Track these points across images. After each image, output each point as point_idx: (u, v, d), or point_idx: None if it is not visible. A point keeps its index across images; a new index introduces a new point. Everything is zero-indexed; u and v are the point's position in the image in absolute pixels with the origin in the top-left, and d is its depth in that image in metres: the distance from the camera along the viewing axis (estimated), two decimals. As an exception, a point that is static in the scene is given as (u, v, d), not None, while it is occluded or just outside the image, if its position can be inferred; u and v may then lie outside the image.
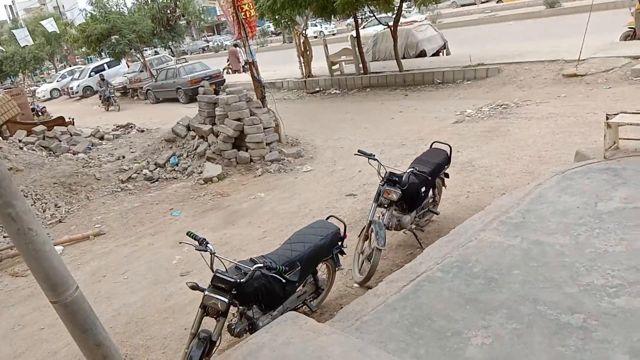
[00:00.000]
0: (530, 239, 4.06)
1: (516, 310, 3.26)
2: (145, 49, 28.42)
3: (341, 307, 4.00)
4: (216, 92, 10.77)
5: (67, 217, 8.62)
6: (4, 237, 7.65)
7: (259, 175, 9.12)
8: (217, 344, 3.59)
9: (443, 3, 32.23)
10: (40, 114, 19.13)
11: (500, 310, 3.30)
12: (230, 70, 25.18)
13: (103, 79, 22.48)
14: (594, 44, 11.81)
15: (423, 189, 5.15)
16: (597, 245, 3.79)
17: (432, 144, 6.04)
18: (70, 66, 45.19)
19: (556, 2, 25.38)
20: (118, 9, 24.55)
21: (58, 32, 28.62)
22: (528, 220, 4.36)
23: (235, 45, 24.68)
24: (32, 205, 8.64)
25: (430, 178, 5.19)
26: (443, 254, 4.13)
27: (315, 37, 33.87)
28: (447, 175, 5.87)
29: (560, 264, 3.66)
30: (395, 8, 14.33)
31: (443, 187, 5.98)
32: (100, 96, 23.35)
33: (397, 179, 4.91)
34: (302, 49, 17.33)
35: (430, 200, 5.64)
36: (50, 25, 26.28)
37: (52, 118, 16.56)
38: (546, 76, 11.46)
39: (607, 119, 5.33)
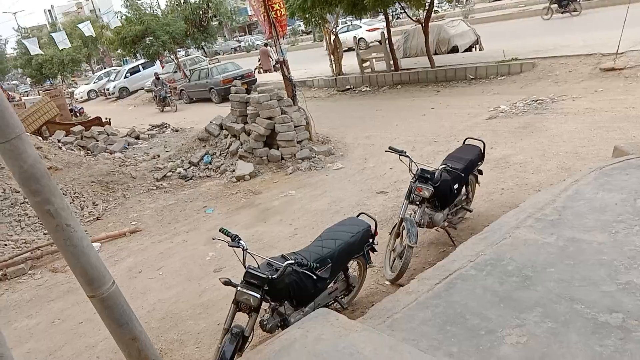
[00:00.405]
0: (567, 236, 3.97)
1: (552, 309, 3.19)
2: (179, 50, 28.88)
3: (372, 305, 3.99)
4: (248, 92, 10.89)
5: (104, 215, 8.84)
6: (44, 234, 7.91)
7: (290, 173, 9.17)
8: (249, 339, 3.64)
9: (476, -2, 31.74)
10: (78, 114, 19.67)
11: (535, 308, 3.23)
12: (261, 70, 25.37)
13: (158, 78, 21.33)
14: (633, 36, 11.43)
15: (456, 186, 5.09)
16: (636, 242, 3.67)
17: (464, 140, 5.96)
18: (104, 68, 46.33)
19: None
20: (152, 11, 25.03)
21: (94, 35, 29.38)
22: (564, 218, 4.26)
23: (266, 45, 24.85)
24: (70, 203, 8.90)
25: (463, 175, 5.13)
26: (476, 252, 4.07)
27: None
28: (480, 172, 5.78)
29: (597, 262, 3.56)
30: (427, 4, 14.17)
31: (476, 184, 5.89)
32: (155, 97, 22.23)
33: (429, 176, 4.86)
34: (333, 47, 17.32)
35: (463, 198, 5.56)
36: (87, 29, 27.00)
37: (90, 118, 17.02)
38: (582, 70, 11.16)
39: (648, 113, 5.16)
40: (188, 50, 34.28)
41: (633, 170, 4.83)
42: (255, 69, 24.61)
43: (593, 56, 11.49)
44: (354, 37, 19.07)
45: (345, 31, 29.07)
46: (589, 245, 3.79)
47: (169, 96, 21.16)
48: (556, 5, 20.62)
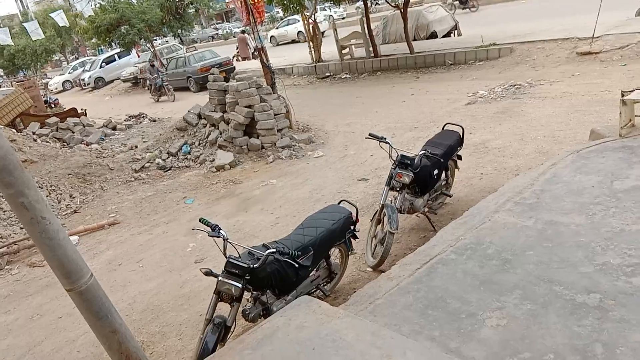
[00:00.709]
0: (545, 219, 4.02)
1: (531, 291, 3.23)
2: (155, 38, 28.41)
3: (354, 291, 4.00)
4: (226, 80, 10.75)
5: (82, 208, 8.70)
6: (20, 228, 7.76)
7: (271, 162, 9.12)
8: (231, 329, 3.62)
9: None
10: (53, 105, 19.26)
11: (514, 291, 3.27)
12: (239, 58, 25.11)
13: (153, 66, 19.99)
14: (609, 20, 11.57)
15: (435, 172, 5.10)
16: (613, 224, 3.73)
17: (444, 126, 5.98)
18: (77, 57, 45.42)
19: (569, -21, 24.88)
20: (127, -1, 24.54)
21: (68, 25, 28.74)
22: (542, 201, 4.31)
23: (244, 32, 24.57)
24: (47, 196, 8.74)
25: (442, 160, 5.14)
26: (456, 236, 4.10)
27: (325, 21, 33.58)
28: (460, 157, 5.81)
29: (575, 243, 3.61)
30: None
31: (456, 170, 5.93)
32: (149, 86, 20.64)
33: (409, 162, 4.87)
34: (311, 33, 17.20)
35: (443, 183, 5.59)
36: (60, 19, 26.36)
37: (65, 110, 16.68)
38: (560, 55, 11.28)
39: (623, 96, 5.22)
40: (165, 38, 33.74)
41: (609, 152, 4.91)
42: (233, 57, 24.35)
43: (570, 40, 11.62)
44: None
45: (286, 25, 30.73)
46: (566, 227, 3.84)
47: (165, 84, 19.72)
48: (458, 2, 24.12)
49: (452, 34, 17.19)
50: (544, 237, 3.78)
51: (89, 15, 23.87)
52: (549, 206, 4.20)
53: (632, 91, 5.30)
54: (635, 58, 9.80)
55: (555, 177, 4.69)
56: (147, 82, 21.30)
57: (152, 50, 25.26)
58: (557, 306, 3.05)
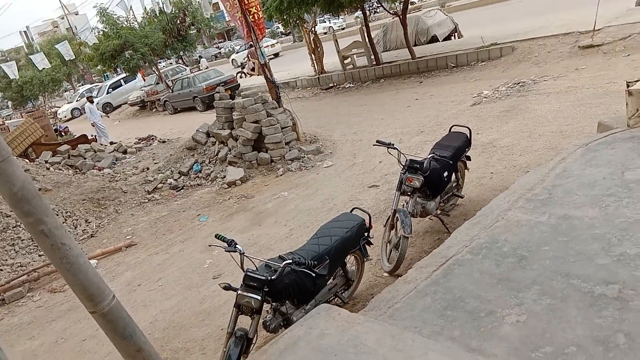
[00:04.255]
0: (558, 214, 4.02)
1: (549, 286, 3.23)
2: (159, 61, 28.72)
3: (372, 297, 4.02)
4: (232, 97, 10.88)
5: (98, 232, 8.81)
6: (39, 255, 7.87)
7: (281, 175, 9.18)
8: (253, 341, 3.65)
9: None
10: (63, 134, 19.52)
11: (532, 287, 3.27)
12: (244, 75, 25.29)
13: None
14: (609, 12, 11.58)
15: (445, 174, 5.13)
16: (627, 214, 3.73)
17: (450, 128, 6.01)
18: (82, 84, 45.98)
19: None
20: (129, 24, 24.86)
21: (74, 57, 29.22)
22: (554, 196, 4.31)
23: (252, 46, 24.77)
24: (63, 222, 8.86)
25: (451, 162, 5.17)
26: (471, 237, 4.11)
27: (325, 33, 33.90)
28: (468, 158, 5.83)
29: (590, 236, 3.61)
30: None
31: (466, 170, 5.95)
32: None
33: (418, 166, 4.90)
34: (313, 46, 17.34)
35: (454, 184, 5.61)
36: (65, 51, 26.79)
37: (75, 137, 16.90)
38: (562, 50, 11.28)
39: (628, 86, 5.22)
40: (169, 60, 34.12)
41: (618, 143, 4.90)
42: (237, 73, 24.56)
43: (571, 35, 11.62)
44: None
45: (245, 49, 32.18)
46: (580, 220, 3.84)
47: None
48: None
49: (452, 37, 17.24)
50: (558, 232, 3.78)
51: (93, 43, 24.21)
52: (561, 201, 4.20)
53: (638, 81, 5.30)
54: (638, 48, 9.78)
55: (565, 171, 4.70)
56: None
57: (157, 73, 25.54)
58: (576, 299, 3.05)
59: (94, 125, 17.45)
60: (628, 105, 5.20)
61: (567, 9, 15.22)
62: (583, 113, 7.46)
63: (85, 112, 18.03)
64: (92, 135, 16.39)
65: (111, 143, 16.49)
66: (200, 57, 39.86)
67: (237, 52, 36.48)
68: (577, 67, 9.97)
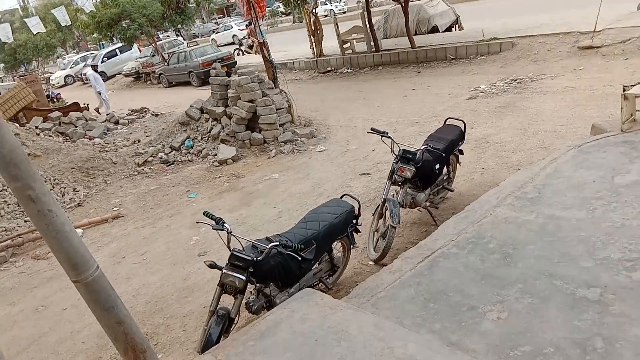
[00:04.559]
0: (546, 213, 4.04)
1: (532, 285, 3.26)
2: (157, 33, 28.34)
3: (357, 284, 4.04)
4: (228, 74, 10.77)
5: (85, 201, 8.75)
6: (25, 221, 7.81)
7: (273, 156, 9.15)
8: (235, 321, 3.67)
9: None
10: (55, 100, 19.28)
11: (515, 285, 3.30)
12: (241, 52, 25.05)
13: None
14: (611, 14, 11.56)
15: (437, 166, 5.13)
16: (614, 219, 3.76)
17: (445, 121, 6.00)
18: (77, 52, 45.31)
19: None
20: (127, -7, 24.46)
21: (70, 24, 28.72)
22: (544, 195, 4.33)
23: (250, 23, 24.52)
24: (51, 189, 8.78)
25: (444, 155, 5.17)
26: (458, 230, 4.13)
27: (326, 15, 33.59)
28: (461, 152, 5.84)
29: (576, 238, 3.64)
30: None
31: (457, 164, 5.96)
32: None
33: (410, 156, 4.89)
34: (313, 28, 17.18)
35: (445, 177, 5.62)
36: (61, 17, 26.30)
37: (67, 104, 16.70)
38: (561, 49, 11.27)
39: (624, 90, 5.23)
40: (166, 33, 33.69)
41: (610, 147, 4.92)
42: (235, 50, 24.31)
43: (571, 34, 11.61)
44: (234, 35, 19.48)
45: (224, 30, 33.71)
46: (567, 222, 3.86)
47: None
48: None
49: (453, 28, 17.16)
50: (545, 232, 3.80)
51: (90, 11, 23.81)
52: (550, 201, 4.22)
53: (634, 85, 5.31)
54: (637, 52, 9.80)
55: (556, 171, 4.71)
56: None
57: (153, 45, 25.22)
58: (557, 300, 3.08)
59: (99, 94, 17.20)
60: (623, 109, 5.22)
61: (571, 8, 15.18)
62: (578, 114, 7.48)
63: (90, 81, 17.67)
64: (84, 104, 16.17)
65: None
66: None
67: (216, 32, 36.60)
68: (575, 68, 9.97)
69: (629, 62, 9.39)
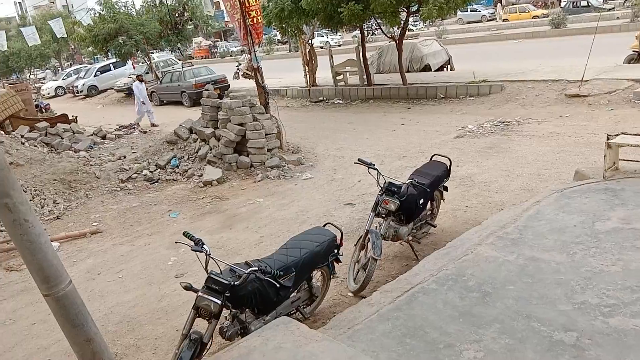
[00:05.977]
0: (526, 255, 4.06)
1: (509, 326, 3.25)
2: (152, 51, 28.49)
3: (334, 315, 3.99)
4: (220, 97, 10.81)
5: (65, 214, 8.60)
6: (0, 231, 7.64)
7: (259, 181, 9.12)
8: (207, 346, 3.57)
9: (449, 19, 32.46)
10: (44, 110, 19.12)
11: (493, 324, 3.28)
12: (238, 75, 25.25)
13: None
14: (598, 65, 11.88)
15: (421, 201, 5.15)
16: (593, 264, 3.78)
17: (432, 157, 6.05)
18: (71, 65, 45.28)
19: (562, 23, 25.57)
20: (126, 10, 24.66)
21: (66, 36, 28.81)
22: (525, 237, 4.36)
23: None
24: (30, 200, 8.63)
25: (429, 190, 5.20)
26: (438, 267, 4.12)
27: (322, 47, 34.07)
28: (446, 189, 5.87)
29: (555, 281, 3.65)
30: (402, 22, 14.39)
31: (441, 200, 5.98)
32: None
33: (395, 189, 4.91)
34: (308, 58, 17.40)
35: (428, 213, 5.64)
36: (58, 28, 26.42)
37: (56, 115, 16.57)
38: (549, 95, 11.51)
39: (608, 139, 5.34)
40: (162, 52, 33.88)
41: (592, 193, 4.99)
42: (234, 73, 24.48)
43: (559, 82, 11.88)
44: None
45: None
46: (547, 264, 3.88)
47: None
48: None
49: (445, 68, 17.50)
50: (524, 273, 3.81)
51: (88, 24, 23.92)
52: (531, 242, 4.25)
53: (618, 135, 5.42)
54: (621, 103, 10.04)
55: (538, 214, 4.76)
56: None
57: (147, 62, 25.32)
58: (534, 342, 3.07)
59: (144, 104, 16.94)
60: (606, 157, 5.32)
61: (561, 56, 15.59)
62: (562, 159, 7.60)
63: (134, 92, 17.17)
64: (72, 116, 16.04)
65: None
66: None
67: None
68: (561, 114, 10.18)
69: (614, 113, 9.61)
